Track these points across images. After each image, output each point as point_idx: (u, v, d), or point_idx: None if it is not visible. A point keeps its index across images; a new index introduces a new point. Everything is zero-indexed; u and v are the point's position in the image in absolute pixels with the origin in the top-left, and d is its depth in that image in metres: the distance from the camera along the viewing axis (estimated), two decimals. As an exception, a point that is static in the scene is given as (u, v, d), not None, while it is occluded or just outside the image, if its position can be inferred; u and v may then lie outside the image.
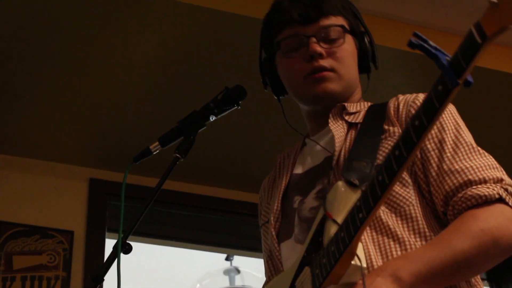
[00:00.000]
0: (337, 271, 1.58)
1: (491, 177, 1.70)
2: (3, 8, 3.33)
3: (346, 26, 2.00)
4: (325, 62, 1.94)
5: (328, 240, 1.62)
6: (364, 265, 1.58)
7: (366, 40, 2.03)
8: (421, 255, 1.60)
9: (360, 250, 1.59)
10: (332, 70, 1.95)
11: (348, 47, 1.98)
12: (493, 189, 1.67)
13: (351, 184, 1.67)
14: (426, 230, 1.73)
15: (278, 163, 2.10)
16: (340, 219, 1.60)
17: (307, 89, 1.97)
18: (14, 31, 3.45)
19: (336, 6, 2.00)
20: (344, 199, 1.64)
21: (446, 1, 3.74)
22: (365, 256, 1.67)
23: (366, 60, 2.02)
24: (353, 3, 2.08)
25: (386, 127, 1.84)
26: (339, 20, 1.99)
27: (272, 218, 1.95)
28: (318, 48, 1.94)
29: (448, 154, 1.76)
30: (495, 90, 4.01)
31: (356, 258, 1.57)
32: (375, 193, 1.48)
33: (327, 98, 1.97)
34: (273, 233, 1.93)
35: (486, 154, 1.77)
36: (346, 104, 1.97)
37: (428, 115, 1.37)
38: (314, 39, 1.95)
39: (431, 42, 1.33)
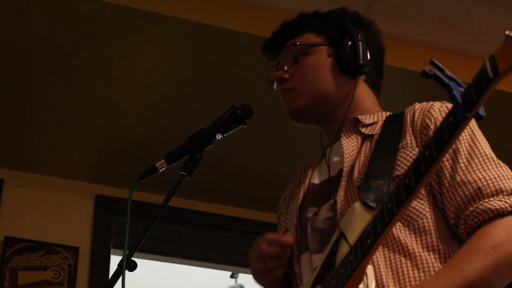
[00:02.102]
0: None
1: (504, 188, 1.67)
2: (10, 26, 3.35)
3: (315, 40, 2.05)
4: (287, 84, 2.04)
5: (339, 262, 1.62)
6: None
7: (347, 44, 2.01)
8: (435, 282, 1.59)
9: (370, 274, 1.58)
10: (292, 89, 2.02)
11: (309, 61, 2.03)
12: (505, 202, 1.64)
13: (367, 206, 1.67)
14: (440, 244, 1.71)
15: (299, 173, 2.11)
16: (352, 241, 1.60)
17: None
18: (21, 49, 3.47)
19: (305, 24, 2.08)
20: (359, 221, 1.64)
21: (454, 22, 3.75)
22: (376, 276, 1.66)
23: (347, 64, 2.01)
24: (342, 12, 2.10)
25: (402, 138, 1.83)
26: (304, 38, 2.05)
27: (293, 228, 1.95)
28: (277, 74, 2.06)
29: (462, 165, 1.73)
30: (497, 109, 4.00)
31: (364, 282, 1.56)
32: (383, 220, 1.47)
33: (299, 115, 2.03)
34: (294, 244, 1.93)
35: (502, 164, 1.74)
36: (360, 116, 1.98)
37: (438, 146, 1.34)
38: (279, 66, 2.08)
39: (447, 72, 1.29)
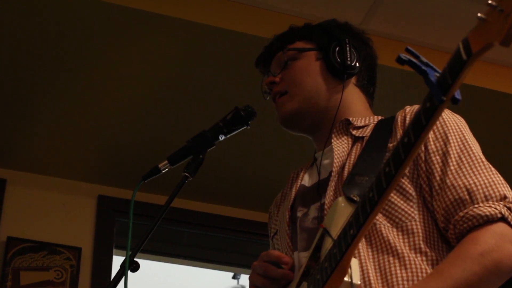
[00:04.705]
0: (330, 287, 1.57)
1: (493, 194, 1.67)
2: (12, 28, 3.36)
3: (304, 46, 2.08)
4: (278, 87, 2.07)
5: (323, 256, 1.62)
6: (358, 282, 1.56)
7: (335, 48, 2.05)
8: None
9: (355, 267, 1.57)
10: (285, 93, 2.05)
11: (298, 65, 2.06)
12: (495, 208, 1.64)
13: (351, 200, 1.68)
14: (427, 247, 1.70)
15: (291, 177, 2.11)
16: (335, 234, 1.60)
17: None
18: (24, 50, 3.48)
19: (294, 33, 2.12)
20: (342, 215, 1.64)
21: (456, 24, 3.75)
22: (364, 274, 1.67)
23: (335, 67, 2.03)
24: (332, 21, 2.15)
25: (392, 139, 1.83)
26: (294, 46, 2.09)
27: (286, 227, 1.96)
28: (268, 79, 2.10)
29: (452, 168, 1.73)
30: (494, 110, 4.00)
31: (348, 275, 1.55)
32: (365, 210, 1.47)
33: (291, 120, 2.05)
34: (288, 241, 1.94)
35: (492, 168, 1.74)
36: (351, 118, 1.99)
37: (415, 132, 1.35)
38: (270, 73, 2.11)
39: (423, 58, 1.31)
